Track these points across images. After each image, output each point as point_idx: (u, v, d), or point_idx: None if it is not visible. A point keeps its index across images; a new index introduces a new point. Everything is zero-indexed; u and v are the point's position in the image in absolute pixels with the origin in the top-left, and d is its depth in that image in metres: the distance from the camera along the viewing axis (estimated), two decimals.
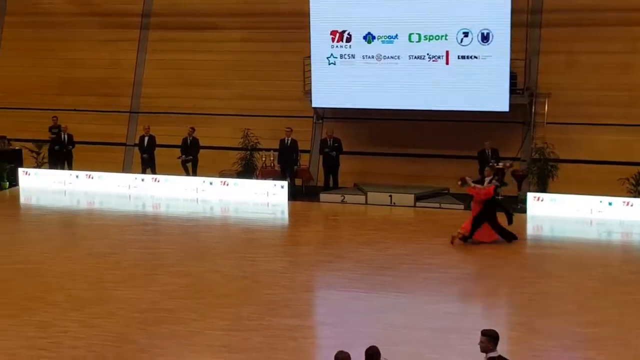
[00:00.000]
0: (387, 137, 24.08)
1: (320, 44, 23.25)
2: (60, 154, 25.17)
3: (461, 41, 22.36)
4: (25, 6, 27.73)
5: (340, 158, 23.50)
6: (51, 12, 27.47)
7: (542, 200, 21.00)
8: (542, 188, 21.80)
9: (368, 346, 8.74)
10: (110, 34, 26.86)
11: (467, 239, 18.25)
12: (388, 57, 22.89)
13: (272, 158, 23.86)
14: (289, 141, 23.42)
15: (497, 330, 8.75)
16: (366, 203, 22.44)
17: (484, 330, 8.79)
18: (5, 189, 24.63)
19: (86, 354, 12.79)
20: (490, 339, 8.66)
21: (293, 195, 22.79)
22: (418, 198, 22.34)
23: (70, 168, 25.10)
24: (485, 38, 22.22)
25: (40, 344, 13.13)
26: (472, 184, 18.50)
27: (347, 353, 8.58)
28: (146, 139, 24.47)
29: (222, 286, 15.95)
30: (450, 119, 23.26)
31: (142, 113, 26.42)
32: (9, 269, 17.10)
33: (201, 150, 24.31)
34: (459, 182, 18.63)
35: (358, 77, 23.07)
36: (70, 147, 25.17)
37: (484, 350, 8.66)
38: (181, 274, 16.66)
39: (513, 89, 22.44)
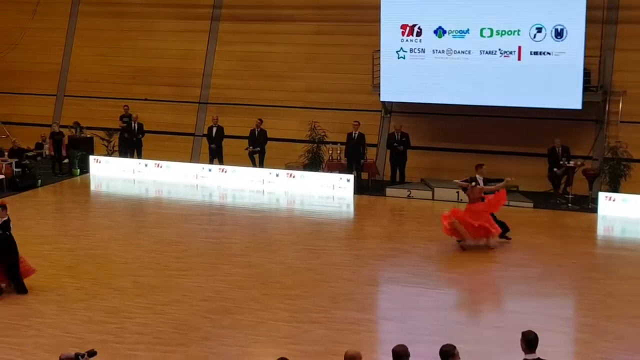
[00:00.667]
0: (455, 132, 23.84)
1: (390, 38, 23.09)
2: (130, 143, 25.52)
3: (534, 37, 21.98)
4: None
5: (407, 153, 23.34)
6: (124, 3, 27.86)
7: (613, 200, 20.54)
8: (614, 188, 21.33)
9: (443, 344, 8.62)
10: (182, 25, 27.12)
11: (504, 235, 17.95)
12: (459, 52, 22.63)
13: (339, 151, 23.82)
14: (356, 135, 23.36)
15: (536, 333, 8.64)
16: (433, 199, 22.25)
17: (523, 331, 8.69)
18: (77, 175, 25.07)
19: (152, 339, 12.95)
20: (522, 341, 8.57)
21: (359, 189, 22.72)
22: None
23: (139, 157, 25.42)
24: (559, 34, 21.80)
25: (108, 329, 13.35)
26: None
27: (404, 346, 8.50)
28: (214, 129, 24.66)
29: (286, 278, 15.99)
30: (520, 115, 22.91)
31: (211, 104, 26.62)
32: (79, 254, 17.42)
33: (268, 142, 24.40)
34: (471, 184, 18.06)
35: (427, 71, 22.85)
36: (140, 136, 25.50)
37: (523, 351, 8.59)
38: (246, 265, 16.76)
39: (586, 87, 21.97)
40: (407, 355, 8.44)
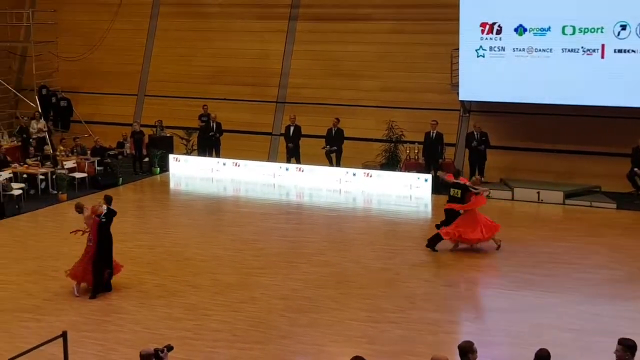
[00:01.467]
0: (536, 132, 23.41)
1: (469, 36, 22.81)
2: (209, 142, 25.78)
3: (618, 34, 21.43)
4: None
5: (487, 152, 23.02)
6: (203, 4, 28.15)
7: None
8: None
9: (539, 349, 8.54)
10: (260, 25, 27.28)
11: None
12: (540, 50, 22.21)
13: (416, 151, 23.65)
14: (434, 134, 23.15)
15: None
16: (512, 199, 21.92)
17: (621, 338, 8.44)
18: (157, 174, 25.46)
19: (230, 337, 13.06)
20: (626, 348, 8.31)
21: (436, 188, 22.51)
22: (567, 196, 21.62)
23: (218, 156, 25.67)
24: None
25: (187, 325, 13.51)
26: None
27: (470, 342, 8.55)
28: (292, 128, 24.74)
29: (363, 277, 15.94)
30: (603, 114, 22.38)
31: (289, 103, 26.71)
32: (159, 252, 17.67)
33: (345, 141, 24.36)
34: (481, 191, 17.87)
35: (507, 70, 22.50)
36: (218, 135, 25.73)
37: (619, 359, 8.30)
38: (322, 264, 16.76)
39: None
40: (473, 351, 8.46)
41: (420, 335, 13.05)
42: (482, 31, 22.71)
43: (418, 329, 13.33)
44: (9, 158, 23.38)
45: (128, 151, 26.35)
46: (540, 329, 13.17)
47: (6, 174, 22.05)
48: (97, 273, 14.79)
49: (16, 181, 22.30)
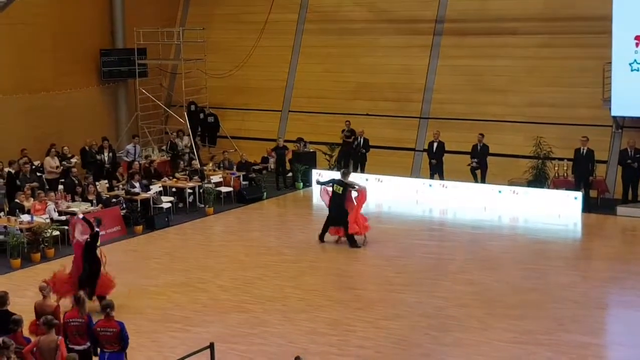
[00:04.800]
0: None
1: (622, 49, 21.92)
2: (353, 157, 25.79)
3: None
4: (324, 14, 28.79)
5: None
6: (347, 20, 28.28)
7: None
8: None
9: None
10: (404, 40, 27.16)
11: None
12: None
13: (565, 167, 22.90)
14: (585, 151, 22.34)
15: None
16: None
17: None
18: (300, 189, 25.68)
19: (373, 354, 12.94)
20: None
21: (587, 207, 21.70)
22: None
23: (362, 171, 25.64)
24: None
25: (331, 340, 13.49)
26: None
27: None
28: (435, 144, 24.45)
29: (510, 297, 15.52)
30: None
31: (432, 118, 26.44)
32: (302, 266, 17.81)
33: (491, 157, 23.86)
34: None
35: None
36: (365, 150, 25.69)
37: None
38: (467, 282, 16.43)
39: None
40: None
41: (569, 359, 12.55)
42: (637, 44, 21.81)
43: (568, 352, 12.88)
44: (159, 171, 24.18)
45: (272, 166, 26.72)
46: None
47: (156, 187, 22.77)
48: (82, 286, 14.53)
49: (165, 195, 22.98)
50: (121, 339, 11.06)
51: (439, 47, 26.70)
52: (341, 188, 19.25)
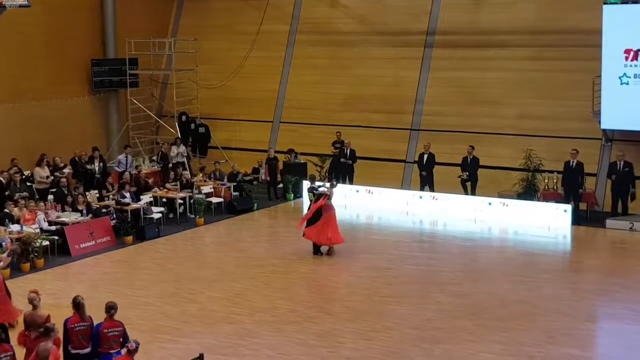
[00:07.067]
0: None
1: (612, 63, 22.05)
2: (342, 168, 25.82)
3: None
4: (316, 26, 28.85)
5: (630, 184, 22.12)
6: (338, 32, 28.36)
7: None
8: None
9: None
10: (395, 52, 27.24)
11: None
12: None
13: (555, 180, 22.98)
14: (574, 163, 22.41)
15: None
16: None
17: None
18: (290, 200, 25.68)
19: None
20: None
21: (576, 219, 21.78)
22: None
23: (351, 182, 25.67)
24: None
25: (321, 352, 13.48)
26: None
27: None
28: (425, 156, 24.49)
29: (499, 309, 15.55)
30: None
31: (423, 130, 26.49)
32: (292, 277, 17.80)
33: (481, 170, 23.92)
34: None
35: None
36: (351, 162, 25.73)
37: None
38: (457, 294, 16.46)
39: None
40: None
41: None
42: (627, 58, 21.92)
43: None
44: (149, 182, 24.14)
45: (263, 177, 26.72)
46: None
47: (147, 197, 22.73)
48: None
49: (156, 205, 22.95)
50: (125, 336, 11.30)
51: (430, 59, 26.79)
52: (314, 196, 19.82)
